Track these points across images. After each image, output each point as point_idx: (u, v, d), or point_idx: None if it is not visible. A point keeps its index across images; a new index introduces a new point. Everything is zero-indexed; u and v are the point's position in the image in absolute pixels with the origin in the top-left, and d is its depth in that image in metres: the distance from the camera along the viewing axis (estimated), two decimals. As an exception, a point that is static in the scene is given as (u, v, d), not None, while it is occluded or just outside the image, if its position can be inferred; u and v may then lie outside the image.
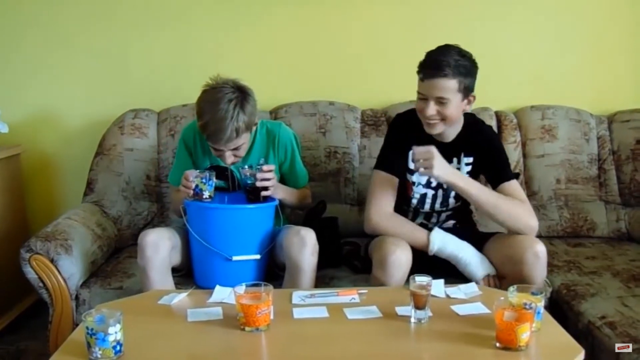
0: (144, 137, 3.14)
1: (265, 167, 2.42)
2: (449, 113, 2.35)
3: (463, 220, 2.67)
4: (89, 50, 3.32)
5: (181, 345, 1.82)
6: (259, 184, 2.40)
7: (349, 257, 2.74)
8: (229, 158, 2.47)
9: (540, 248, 2.28)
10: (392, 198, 2.49)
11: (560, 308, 2.47)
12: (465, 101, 2.38)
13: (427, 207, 2.57)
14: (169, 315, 2.02)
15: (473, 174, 2.52)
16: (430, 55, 2.34)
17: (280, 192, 2.53)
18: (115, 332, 1.68)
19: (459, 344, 1.78)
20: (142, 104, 3.24)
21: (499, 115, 3.19)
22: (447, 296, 2.10)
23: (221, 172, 2.56)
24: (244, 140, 2.46)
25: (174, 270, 2.44)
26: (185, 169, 2.53)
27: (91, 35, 3.31)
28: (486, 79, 3.28)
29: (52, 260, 2.51)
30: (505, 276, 2.36)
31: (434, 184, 2.53)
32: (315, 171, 3.08)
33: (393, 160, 2.52)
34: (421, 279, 1.93)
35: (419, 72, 2.36)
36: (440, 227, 2.51)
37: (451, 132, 2.49)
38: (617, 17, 3.29)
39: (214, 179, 2.39)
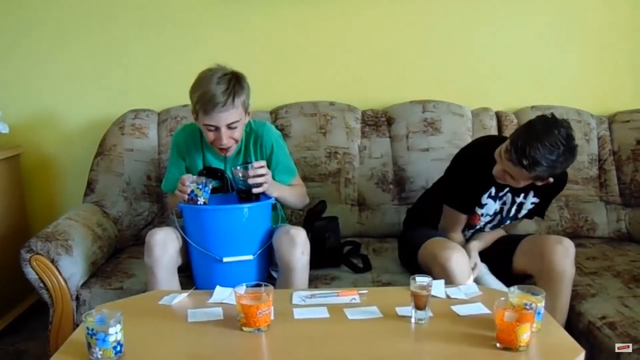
0: (145, 137, 3.14)
1: (256, 164, 2.34)
2: None
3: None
4: (90, 50, 3.32)
5: (181, 346, 1.82)
6: (251, 181, 2.31)
7: (349, 256, 2.74)
8: (225, 138, 2.38)
9: (568, 242, 2.40)
10: (460, 230, 2.62)
11: (561, 308, 2.47)
12: None
13: (487, 228, 2.67)
14: (169, 316, 2.01)
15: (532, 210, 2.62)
16: None
17: (275, 191, 2.43)
18: (115, 333, 1.68)
19: (460, 344, 1.78)
20: (143, 105, 3.25)
21: (499, 116, 3.19)
22: (448, 296, 2.10)
23: (214, 173, 2.50)
24: (240, 117, 2.38)
25: (178, 270, 2.39)
26: (178, 174, 2.51)
27: (91, 36, 3.31)
28: (486, 80, 3.32)
29: (52, 261, 2.51)
30: (534, 275, 2.46)
31: (497, 214, 2.60)
32: (316, 171, 3.09)
33: (464, 198, 2.55)
34: (422, 279, 1.92)
35: None
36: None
37: None
38: (617, 17, 3.29)
39: (210, 186, 2.34)
